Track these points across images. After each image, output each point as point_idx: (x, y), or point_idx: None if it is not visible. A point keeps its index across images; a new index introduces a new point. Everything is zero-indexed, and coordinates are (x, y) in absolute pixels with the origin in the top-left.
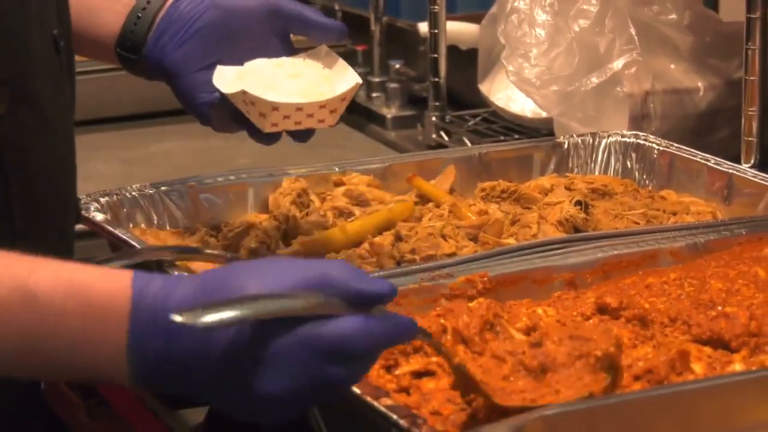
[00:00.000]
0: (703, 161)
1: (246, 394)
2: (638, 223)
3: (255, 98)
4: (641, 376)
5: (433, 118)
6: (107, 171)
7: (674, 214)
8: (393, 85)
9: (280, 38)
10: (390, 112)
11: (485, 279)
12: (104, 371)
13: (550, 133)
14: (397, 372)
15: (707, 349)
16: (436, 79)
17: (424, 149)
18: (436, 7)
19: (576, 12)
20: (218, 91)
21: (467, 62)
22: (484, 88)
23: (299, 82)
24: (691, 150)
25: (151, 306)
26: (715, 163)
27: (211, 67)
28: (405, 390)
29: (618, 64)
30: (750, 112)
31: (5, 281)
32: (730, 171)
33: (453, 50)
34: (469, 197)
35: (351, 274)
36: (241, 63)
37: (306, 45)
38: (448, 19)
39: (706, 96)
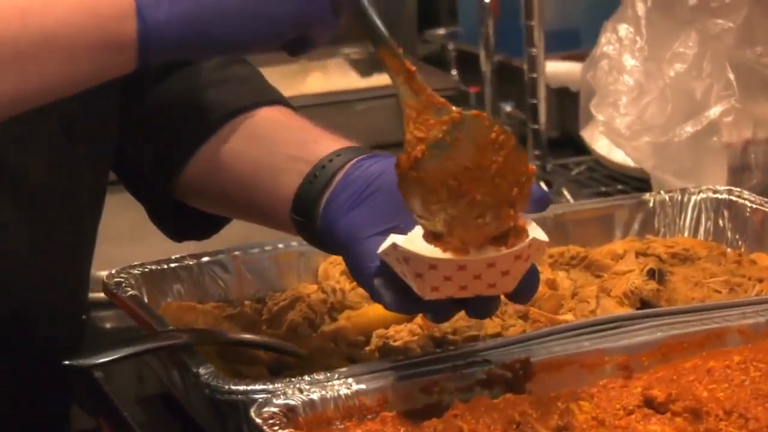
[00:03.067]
0: None
1: None
2: (720, 292)
3: (408, 253)
4: None
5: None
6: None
7: (760, 281)
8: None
9: None
10: None
11: (527, 363)
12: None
13: None
14: None
15: None
16: (535, 126)
17: None
18: (534, 49)
19: (671, 56)
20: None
21: (562, 103)
22: (585, 134)
23: None
24: None
25: None
26: None
27: (385, 233)
28: None
29: (715, 111)
30: None
31: None
32: None
33: (564, 92)
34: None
35: None
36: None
37: None
38: (559, 58)
39: None
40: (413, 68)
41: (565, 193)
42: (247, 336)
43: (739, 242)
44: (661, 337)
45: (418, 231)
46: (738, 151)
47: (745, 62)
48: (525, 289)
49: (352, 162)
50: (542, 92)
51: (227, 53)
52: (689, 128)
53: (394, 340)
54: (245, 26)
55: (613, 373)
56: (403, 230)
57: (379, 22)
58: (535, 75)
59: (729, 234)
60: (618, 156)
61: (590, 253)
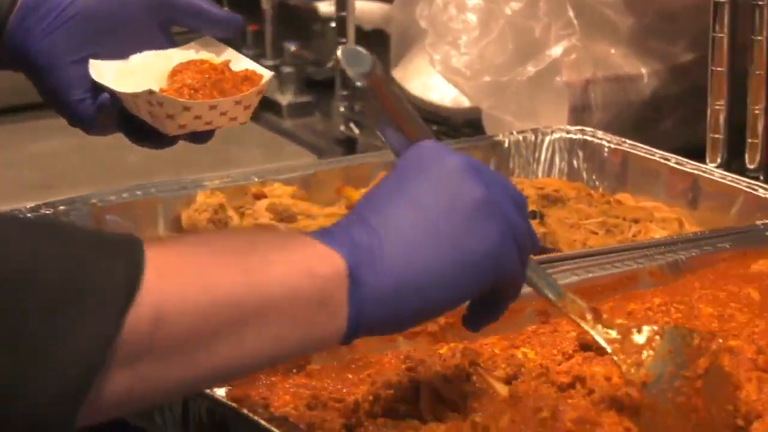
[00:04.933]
0: (662, 161)
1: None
2: (596, 233)
3: (164, 98)
4: None
5: (342, 109)
6: None
7: (636, 221)
8: (288, 70)
9: (165, 30)
10: (285, 99)
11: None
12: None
13: (472, 125)
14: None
15: None
16: None
17: (330, 142)
18: None
19: None
20: (107, 89)
21: (371, 45)
22: (397, 74)
23: None
24: (647, 147)
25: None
26: (676, 163)
27: (84, 61)
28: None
29: (556, 50)
30: (716, 107)
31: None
32: (695, 172)
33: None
34: None
35: None
36: (119, 57)
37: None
38: None
39: (650, 83)
40: (595, 306)
41: (379, 134)
42: None
43: (596, 182)
44: (576, 280)
45: (140, 62)
46: (578, 91)
47: (585, 1)
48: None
49: None
50: (352, 32)
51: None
52: (531, 68)
53: None
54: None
55: (532, 319)
56: (102, 56)
57: (549, 284)
58: (344, 13)
59: (585, 174)
60: (435, 96)
61: None
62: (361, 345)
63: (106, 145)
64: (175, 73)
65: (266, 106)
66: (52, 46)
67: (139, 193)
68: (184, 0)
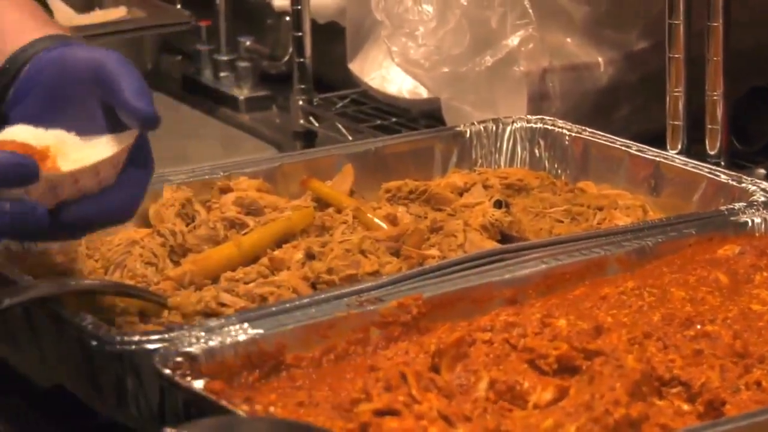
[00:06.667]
0: (623, 148)
1: None
2: (562, 222)
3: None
4: None
5: (300, 102)
6: None
7: (600, 209)
8: (243, 64)
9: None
10: (242, 93)
11: (420, 302)
12: None
13: (430, 116)
14: (356, 409)
15: None
16: (301, 59)
17: (289, 135)
18: None
19: None
20: None
21: (326, 37)
22: (354, 67)
23: None
24: (608, 136)
25: None
26: (637, 150)
27: None
28: (364, 427)
29: (513, 40)
30: (675, 93)
31: None
32: (657, 159)
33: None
34: (371, 199)
35: None
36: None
37: None
38: None
39: (606, 71)
40: None
41: (340, 127)
42: (117, 283)
43: (558, 171)
44: (545, 268)
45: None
46: (536, 80)
47: None
48: None
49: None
50: (307, 25)
51: None
52: (489, 58)
53: (245, 282)
54: None
55: (501, 306)
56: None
57: None
58: (299, 7)
59: (547, 163)
60: (392, 88)
61: (429, 187)
62: None
63: None
64: None
65: (222, 100)
66: (15, 116)
67: None
68: (108, 78)
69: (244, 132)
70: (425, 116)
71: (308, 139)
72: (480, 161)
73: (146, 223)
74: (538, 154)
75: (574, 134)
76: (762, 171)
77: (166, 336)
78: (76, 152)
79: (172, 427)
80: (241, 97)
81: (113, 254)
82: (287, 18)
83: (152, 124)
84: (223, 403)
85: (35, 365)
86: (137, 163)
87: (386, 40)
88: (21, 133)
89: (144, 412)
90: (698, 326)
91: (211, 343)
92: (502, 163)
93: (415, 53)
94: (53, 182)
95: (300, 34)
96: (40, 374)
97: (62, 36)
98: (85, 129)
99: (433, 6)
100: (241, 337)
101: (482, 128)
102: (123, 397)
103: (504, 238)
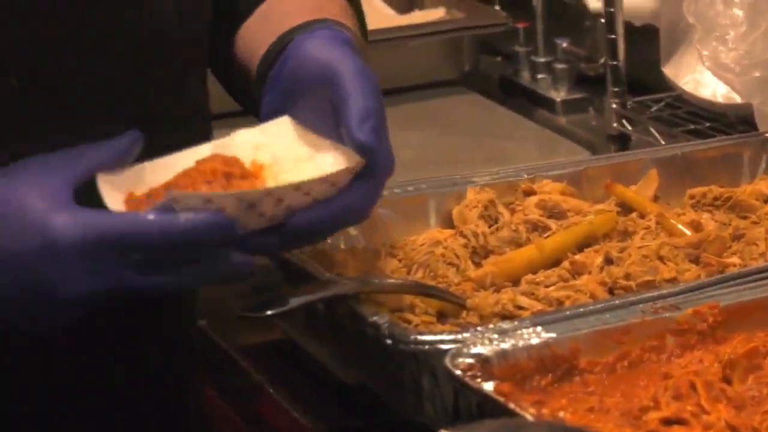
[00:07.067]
0: None
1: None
2: None
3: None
4: None
5: (614, 105)
6: None
7: None
8: (560, 66)
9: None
10: (559, 96)
11: (716, 311)
12: None
13: (743, 121)
14: (645, 417)
15: None
16: (615, 63)
17: (603, 138)
18: None
19: None
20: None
21: (641, 40)
22: (669, 71)
23: None
24: None
25: None
26: None
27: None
28: None
29: None
30: None
31: None
32: None
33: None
34: (676, 205)
35: None
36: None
37: None
38: None
39: None
40: None
41: (653, 131)
42: (418, 283)
43: None
44: None
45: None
46: None
47: None
48: None
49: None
50: (620, 27)
51: None
52: None
53: (545, 285)
54: None
55: None
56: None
57: None
58: (612, 9)
59: None
60: (706, 92)
61: (734, 193)
62: None
63: None
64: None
65: (539, 102)
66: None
67: (410, 188)
68: (338, 96)
69: (560, 134)
70: (742, 121)
71: (622, 142)
72: None
73: (449, 223)
74: None
75: None
76: None
77: (459, 337)
78: (288, 170)
79: (446, 428)
80: (558, 99)
81: (416, 254)
82: (603, 20)
83: (370, 155)
84: (511, 406)
85: (339, 362)
86: (365, 177)
87: (697, 44)
88: (242, 144)
89: (440, 412)
90: None
91: (504, 346)
92: None
93: (725, 57)
94: (252, 201)
95: (613, 36)
96: (344, 371)
97: (323, 21)
98: (319, 125)
99: (743, 10)
100: (534, 341)
101: None
102: (419, 396)
103: None
